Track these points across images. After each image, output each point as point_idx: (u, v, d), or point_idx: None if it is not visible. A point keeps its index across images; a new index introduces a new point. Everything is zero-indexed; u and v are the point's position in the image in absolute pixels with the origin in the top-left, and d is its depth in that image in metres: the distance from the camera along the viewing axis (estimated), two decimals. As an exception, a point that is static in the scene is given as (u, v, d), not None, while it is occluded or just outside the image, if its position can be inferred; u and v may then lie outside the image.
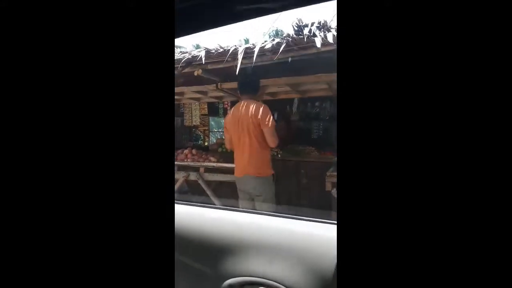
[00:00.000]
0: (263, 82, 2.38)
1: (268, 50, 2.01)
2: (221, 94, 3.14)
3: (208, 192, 2.82)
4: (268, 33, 2.65)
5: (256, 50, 1.99)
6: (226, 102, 4.30)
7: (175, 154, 3.13)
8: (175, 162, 2.99)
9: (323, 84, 2.61)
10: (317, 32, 1.90)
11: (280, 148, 2.95)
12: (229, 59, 2.16)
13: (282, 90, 2.91)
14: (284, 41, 1.98)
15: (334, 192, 2.31)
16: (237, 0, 0.55)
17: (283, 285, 0.70)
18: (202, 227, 0.90)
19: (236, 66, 2.05)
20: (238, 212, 0.98)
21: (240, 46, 2.14)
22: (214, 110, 4.79)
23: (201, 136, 5.18)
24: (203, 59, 2.20)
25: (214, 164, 2.89)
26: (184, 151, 3.16)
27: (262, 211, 1.97)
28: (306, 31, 1.94)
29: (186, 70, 2.46)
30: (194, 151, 3.16)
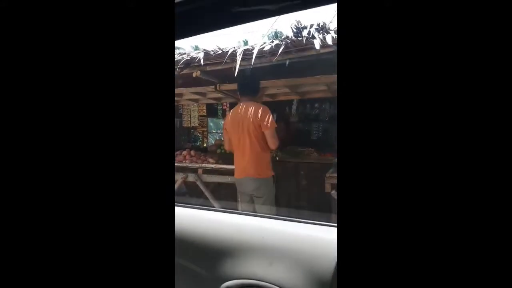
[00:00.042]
0: (262, 83, 2.38)
1: (267, 52, 2.01)
2: (219, 95, 3.14)
3: (207, 194, 2.81)
4: (267, 34, 2.65)
5: (255, 51, 1.99)
6: (224, 104, 4.30)
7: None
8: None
9: (322, 85, 2.61)
10: (316, 34, 1.91)
11: (279, 149, 2.95)
12: (228, 60, 2.16)
13: (281, 92, 2.92)
14: (283, 43, 1.98)
15: (333, 193, 2.31)
16: (236, 4, 0.55)
17: None
18: (200, 229, 0.90)
19: (235, 67, 2.05)
20: (237, 215, 0.98)
21: (239, 48, 2.14)
22: (212, 111, 4.79)
23: (200, 137, 5.18)
24: (202, 60, 2.20)
25: (213, 166, 2.88)
26: (183, 152, 3.15)
27: (262, 212, 1.97)
28: (305, 33, 1.94)
29: (185, 71, 2.46)
30: (192, 152, 3.16)
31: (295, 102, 3.91)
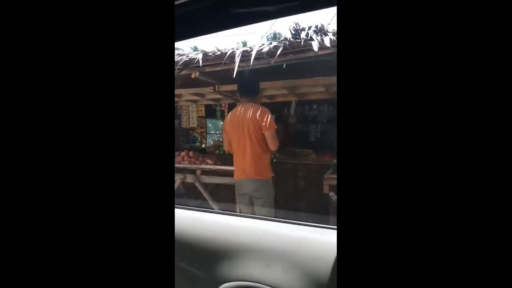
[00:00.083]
0: (261, 85, 2.38)
1: (266, 53, 2.01)
2: (218, 96, 3.14)
3: (205, 195, 2.81)
4: (266, 36, 2.65)
5: (254, 53, 1.99)
6: (223, 105, 4.30)
7: (172, 156, 3.11)
8: (172, 164, 2.97)
9: (321, 87, 2.62)
10: (314, 36, 1.91)
11: (277, 150, 2.95)
12: (227, 61, 2.16)
13: (279, 93, 2.92)
14: (282, 44, 1.99)
15: (331, 194, 2.31)
16: (236, 6, 0.55)
17: None
18: (198, 231, 0.90)
19: (234, 69, 2.06)
20: (235, 217, 0.98)
21: (237, 49, 2.14)
22: (211, 112, 4.79)
23: (198, 138, 5.17)
24: (201, 61, 2.20)
25: (211, 167, 2.88)
26: (181, 153, 3.15)
27: (261, 213, 1.97)
28: (303, 34, 1.95)
29: (184, 72, 2.46)
30: (191, 153, 3.16)
31: (293, 104, 3.91)
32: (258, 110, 2.01)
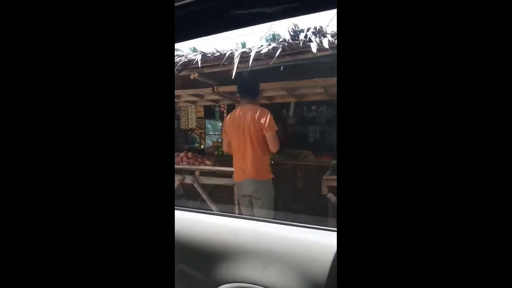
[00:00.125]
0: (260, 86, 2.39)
1: (264, 54, 2.01)
2: (217, 97, 3.14)
3: (204, 196, 2.81)
4: (265, 37, 2.66)
5: (252, 54, 2.00)
6: (222, 106, 4.30)
7: (171, 157, 3.11)
8: (171, 165, 2.97)
9: (319, 88, 2.63)
10: (312, 38, 1.92)
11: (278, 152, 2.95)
12: (226, 63, 2.16)
13: (278, 94, 2.92)
14: (280, 46, 1.99)
15: (330, 195, 2.31)
16: (235, 8, 0.55)
17: None
18: (196, 232, 0.90)
19: (232, 70, 2.06)
20: (234, 218, 0.98)
21: (236, 50, 2.15)
22: (210, 113, 4.78)
23: (197, 139, 5.16)
24: (199, 62, 2.21)
25: (210, 168, 2.88)
26: (180, 154, 3.14)
27: (260, 215, 1.96)
28: (301, 36, 1.95)
29: (183, 73, 2.46)
30: (190, 154, 3.15)
31: (292, 105, 3.92)
32: (260, 112, 2.01)
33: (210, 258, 0.83)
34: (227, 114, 2.70)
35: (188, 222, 0.94)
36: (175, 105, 4.27)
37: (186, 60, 2.33)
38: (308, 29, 1.99)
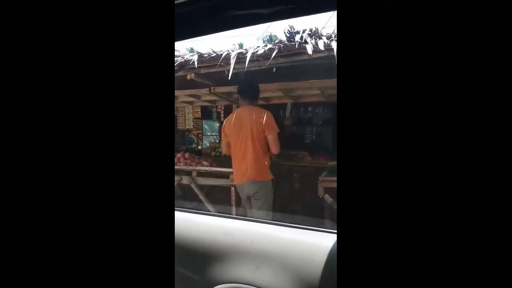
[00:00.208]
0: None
1: (261, 55, 2.02)
2: (214, 98, 3.15)
3: (201, 197, 2.81)
4: (262, 38, 2.66)
5: (248, 55, 2.00)
6: (219, 106, 4.30)
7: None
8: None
9: (315, 89, 2.64)
10: (308, 39, 1.93)
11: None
12: (222, 63, 2.17)
13: (275, 95, 2.93)
14: (276, 47, 2.00)
15: (326, 197, 2.32)
16: (233, 8, 0.55)
17: None
18: (191, 232, 0.90)
19: (229, 70, 2.07)
20: (229, 219, 0.99)
21: (233, 51, 2.15)
22: (207, 113, 4.78)
23: (194, 139, 5.16)
24: (196, 63, 2.21)
25: (207, 168, 2.88)
26: (177, 155, 3.14)
27: (259, 215, 1.96)
28: (297, 38, 1.96)
29: (179, 73, 2.46)
30: (187, 154, 3.15)
31: (288, 106, 3.93)
32: (262, 113, 2.02)
33: (206, 258, 0.83)
34: (224, 115, 2.70)
35: (185, 222, 0.94)
36: (172, 106, 4.25)
37: (182, 60, 2.33)
38: (304, 31, 2.00)
